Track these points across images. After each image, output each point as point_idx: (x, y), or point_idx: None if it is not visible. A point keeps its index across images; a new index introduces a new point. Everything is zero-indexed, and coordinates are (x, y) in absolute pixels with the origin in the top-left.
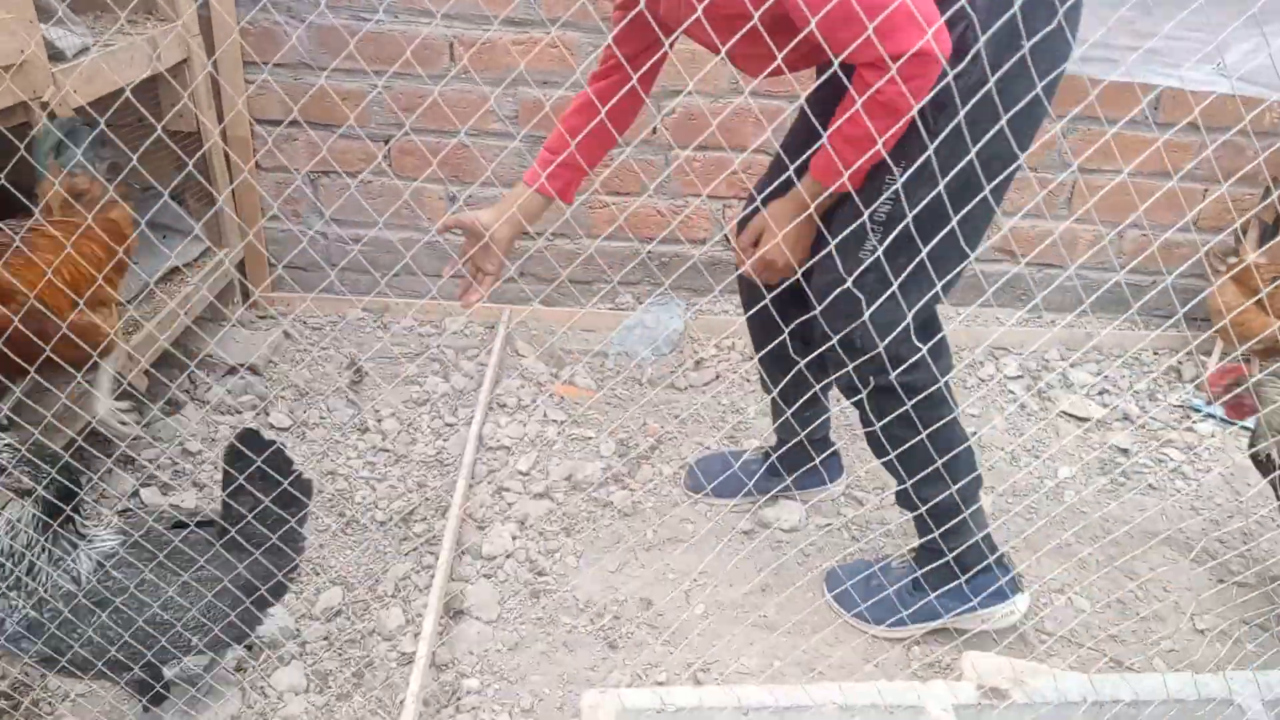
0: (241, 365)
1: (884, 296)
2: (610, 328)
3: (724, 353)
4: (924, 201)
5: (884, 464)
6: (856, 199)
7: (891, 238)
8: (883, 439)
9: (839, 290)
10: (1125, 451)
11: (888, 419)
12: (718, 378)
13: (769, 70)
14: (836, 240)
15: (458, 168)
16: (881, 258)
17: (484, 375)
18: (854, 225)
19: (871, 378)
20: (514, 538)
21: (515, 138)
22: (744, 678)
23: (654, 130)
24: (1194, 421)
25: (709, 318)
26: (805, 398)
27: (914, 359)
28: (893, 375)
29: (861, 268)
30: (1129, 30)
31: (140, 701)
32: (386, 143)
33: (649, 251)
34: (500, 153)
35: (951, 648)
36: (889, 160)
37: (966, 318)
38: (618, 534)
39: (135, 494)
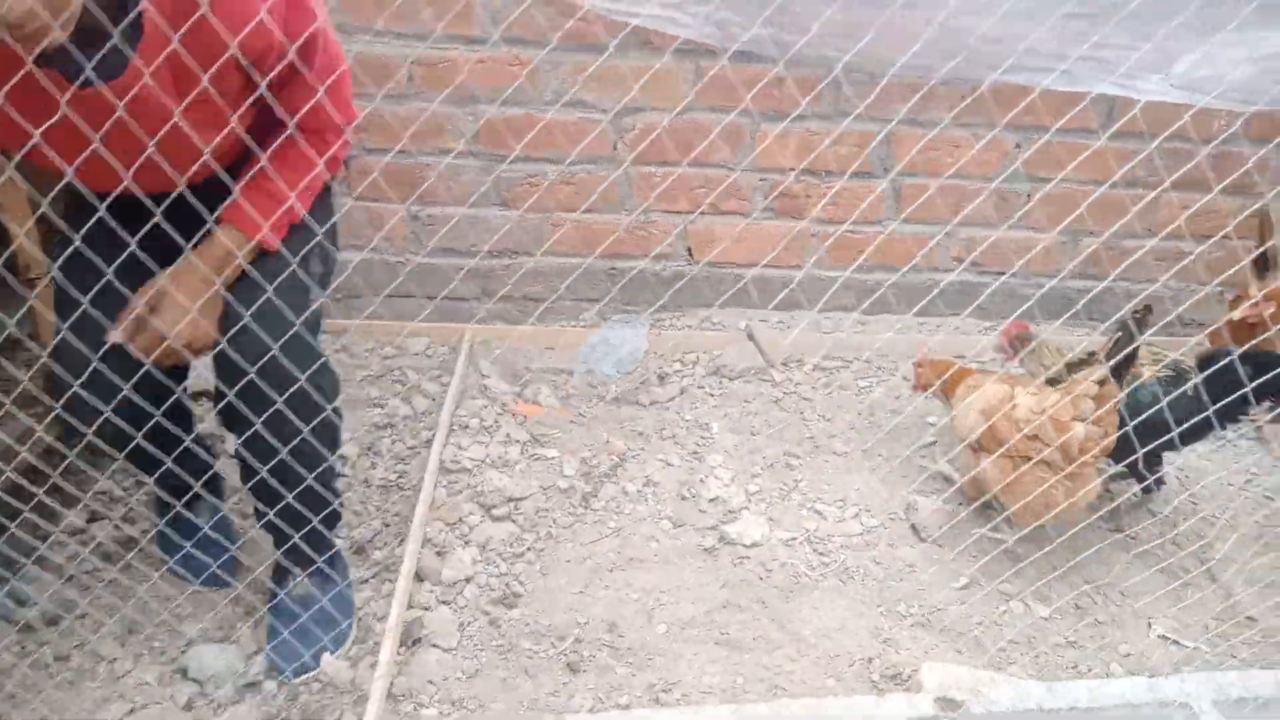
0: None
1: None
2: (574, 345)
3: (688, 367)
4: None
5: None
6: (285, 253)
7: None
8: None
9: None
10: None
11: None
12: (682, 393)
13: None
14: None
15: (416, 188)
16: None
17: (446, 397)
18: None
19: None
20: (475, 562)
21: (475, 156)
22: (706, 697)
23: (614, 146)
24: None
25: (673, 333)
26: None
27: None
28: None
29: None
30: (1080, 40)
31: None
32: (346, 164)
33: (613, 268)
34: (460, 171)
35: (913, 658)
36: (309, 217)
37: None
38: (581, 555)
39: None
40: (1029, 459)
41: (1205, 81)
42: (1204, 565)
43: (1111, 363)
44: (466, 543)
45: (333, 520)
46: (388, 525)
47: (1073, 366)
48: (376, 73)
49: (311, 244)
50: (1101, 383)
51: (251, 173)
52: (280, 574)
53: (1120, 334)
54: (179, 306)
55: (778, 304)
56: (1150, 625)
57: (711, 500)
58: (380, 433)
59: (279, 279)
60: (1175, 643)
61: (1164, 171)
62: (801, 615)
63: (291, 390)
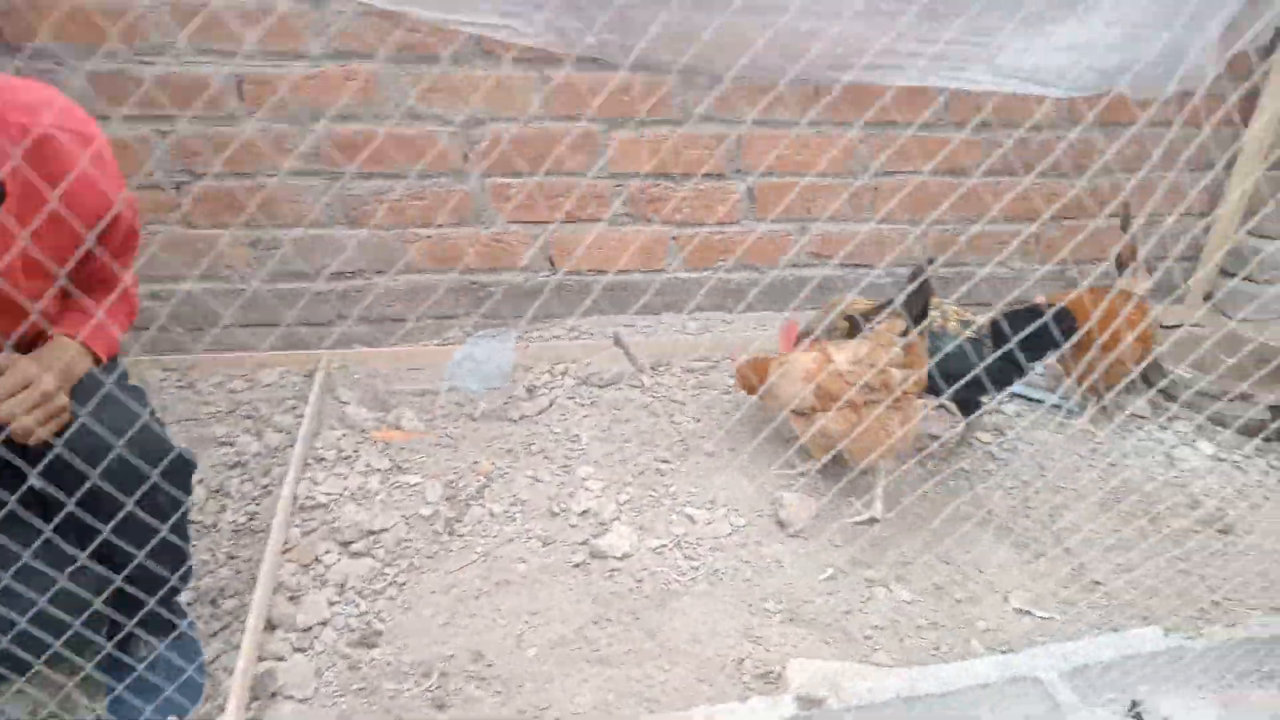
0: None
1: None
2: (438, 364)
3: (557, 378)
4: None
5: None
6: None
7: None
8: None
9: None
10: (937, 438)
11: None
12: (552, 405)
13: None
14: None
15: (261, 210)
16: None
17: (300, 429)
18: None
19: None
20: (331, 603)
21: (318, 175)
22: (577, 718)
23: (465, 158)
24: (1002, 402)
25: (540, 344)
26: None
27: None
28: None
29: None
30: (913, 36)
31: None
32: (179, 190)
33: (474, 282)
34: (302, 192)
35: (783, 655)
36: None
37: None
38: (446, 584)
39: None
40: (865, 404)
41: (1028, 70)
42: (1055, 536)
43: (906, 307)
44: (323, 583)
45: (184, 580)
46: (239, 572)
47: (854, 321)
48: (201, 93)
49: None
50: (904, 332)
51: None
52: (123, 640)
53: (913, 281)
54: (26, 369)
55: (644, 308)
56: (1006, 599)
57: (582, 514)
58: (230, 473)
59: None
60: (1029, 614)
61: (1014, 159)
62: (673, 623)
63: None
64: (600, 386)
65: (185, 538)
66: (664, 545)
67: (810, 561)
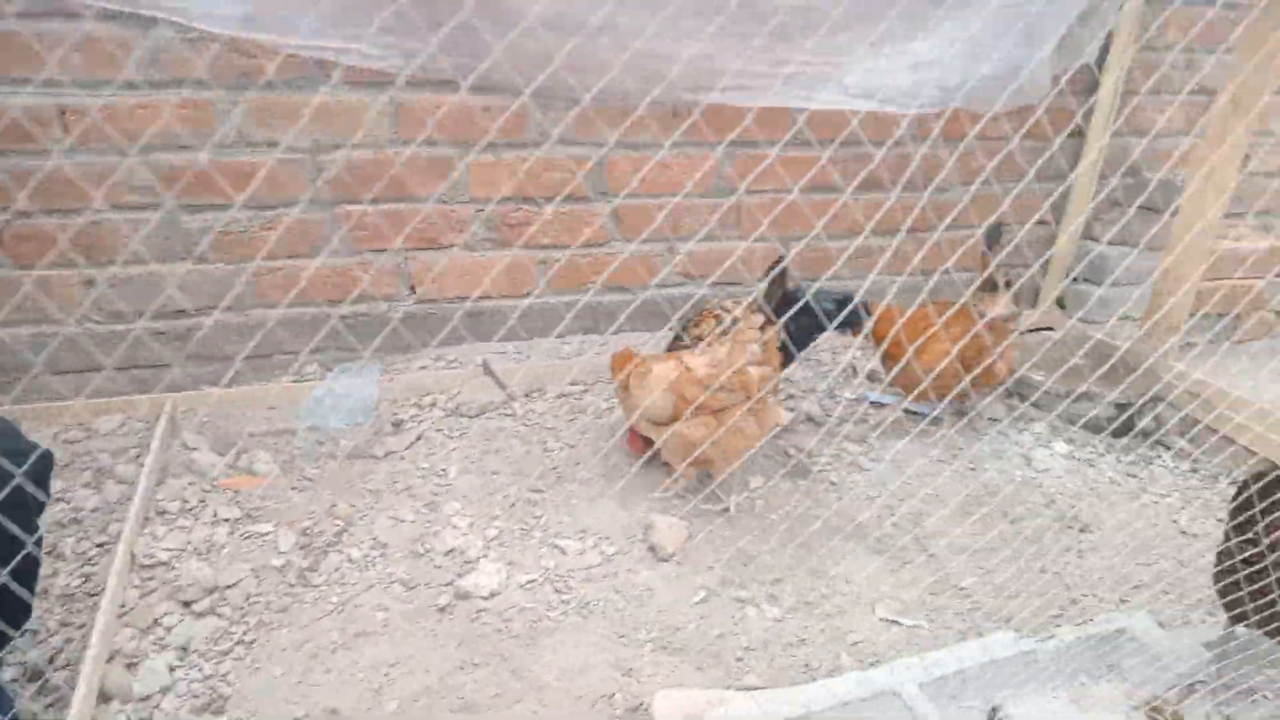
0: None
1: None
2: (296, 402)
3: (425, 410)
4: None
5: None
6: None
7: None
8: None
9: None
10: (810, 453)
11: None
12: (419, 438)
13: None
14: None
15: (92, 248)
16: None
17: (140, 479)
18: None
19: None
20: (173, 668)
21: (155, 207)
22: None
23: (312, 185)
24: (866, 412)
25: (406, 376)
26: None
27: None
28: None
29: None
30: (767, 59)
31: None
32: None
33: (331, 314)
34: (140, 226)
35: (655, 685)
36: None
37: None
38: (299, 639)
39: None
40: (725, 409)
41: (876, 89)
42: (920, 543)
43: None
44: (163, 647)
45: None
46: (71, 641)
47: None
48: (21, 129)
49: None
50: (762, 327)
51: None
52: None
53: (770, 283)
54: None
55: (512, 334)
56: (874, 609)
57: (448, 553)
58: (64, 531)
59: None
60: (897, 623)
61: (852, 175)
62: (543, 661)
63: None
64: (470, 416)
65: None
66: (534, 580)
67: (682, 586)
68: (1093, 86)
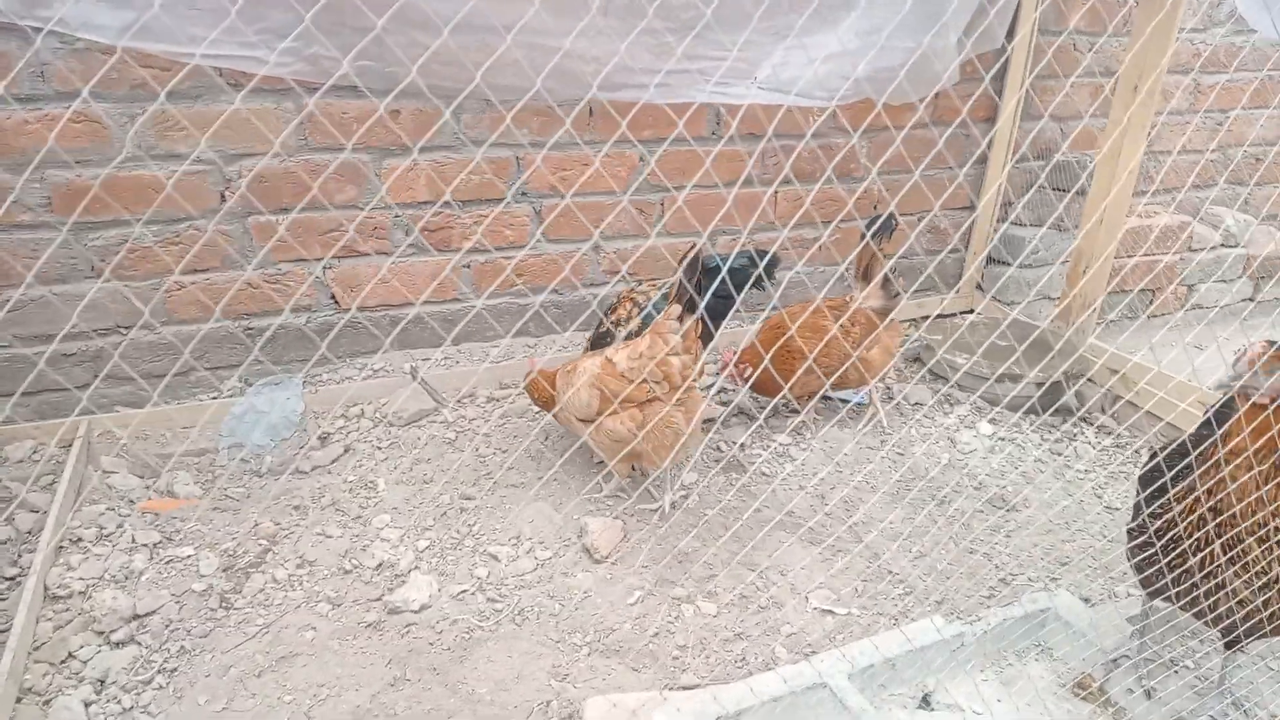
0: None
1: None
2: (217, 420)
3: (351, 421)
4: None
5: None
6: None
7: None
8: None
9: None
10: (743, 446)
11: None
12: (347, 451)
13: None
14: None
15: None
16: None
17: (53, 507)
18: None
19: None
20: (88, 704)
21: (53, 227)
22: None
23: (222, 197)
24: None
25: (331, 388)
26: None
27: None
28: None
29: None
30: (679, 56)
31: None
32: None
33: (249, 327)
34: (37, 246)
35: (590, 689)
36: None
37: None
38: (223, 665)
39: None
40: (651, 401)
41: (788, 83)
42: (852, 531)
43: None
44: (79, 681)
45: None
46: None
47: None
48: None
49: None
50: (680, 318)
51: None
52: None
53: (687, 269)
54: None
55: (439, 340)
56: (808, 600)
57: (377, 568)
58: None
59: None
60: (831, 613)
61: (774, 168)
62: (477, 673)
63: None
64: (400, 425)
65: None
66: (466, 590)
67: (618, 587)
68: (1003, 71)
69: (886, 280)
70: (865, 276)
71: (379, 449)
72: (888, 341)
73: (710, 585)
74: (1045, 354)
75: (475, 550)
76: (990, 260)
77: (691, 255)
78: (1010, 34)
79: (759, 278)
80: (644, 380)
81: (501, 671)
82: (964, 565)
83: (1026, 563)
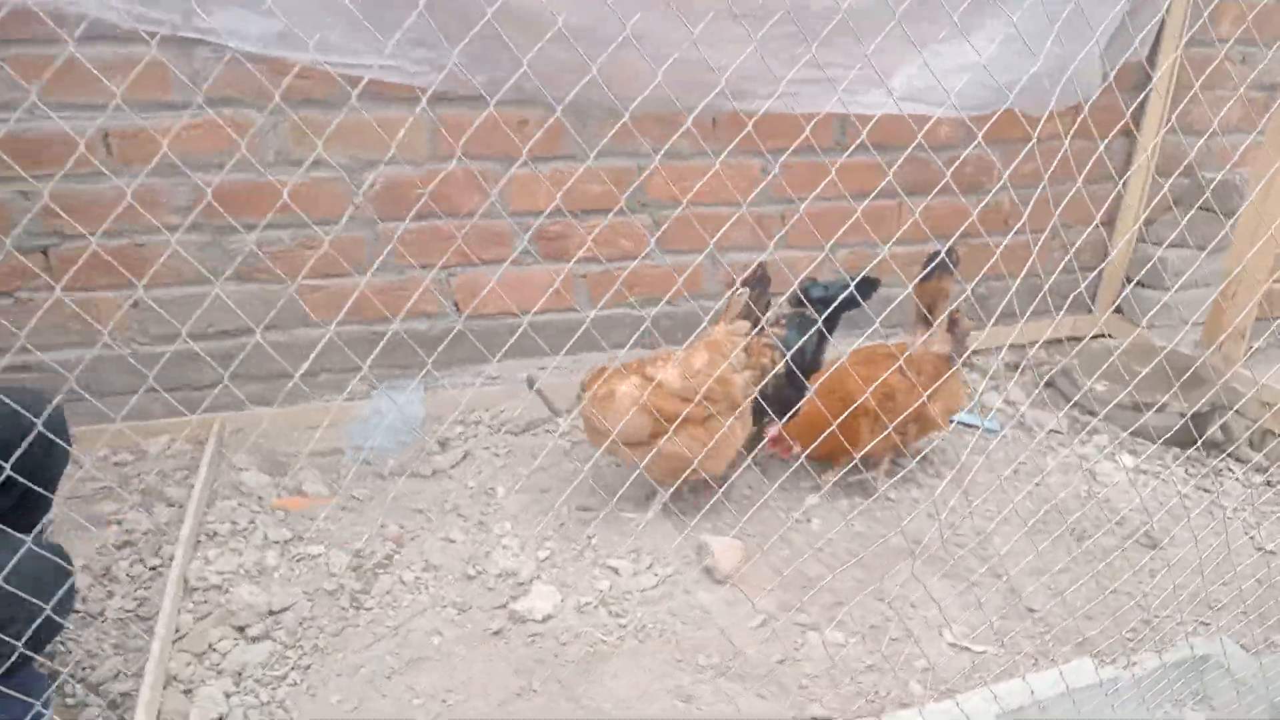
0: None
1: None
2: (342, 422)
3: (470, 428)
4: None
5: None
6: None
7: None
8: None
9: None
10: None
11: None
12: (466, 456)
13: None
14: None
15: (136, 270)
16: None
17: (190, 501)
18: None
19: None
20: (229, 695)
21: (199, 230)
22: None
23: (355, 205)
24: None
25: (450, 394)
26: None
27: None
28: None
29: None
30: (809, 63)
31: None
32: (45, 254)
33: (375, 331)
34: (181, 247)
35: (717, 713)
36: None
37: None
38: (354, 664)
39: None
40: (708, 418)
41: (923, 91)
42: (986, 563)
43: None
44: (219, 673)
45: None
46: (128, 662)
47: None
48: (65, 150)
49: None
50: (746, 332)
51: None
52: None
53: (755, 289)
54: None
55: (557, 349)
56: (942, 634)
57: (499, 575)
58: (117, 554)
59: None
60: (967, 649)
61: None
62: (602, 688)
63: None
64: (516, 434)
65: None
66: (588, 603)
67: (740, 609)
68: (1144, 83)
69: (953, 321)
70: (927, 317)
71: (497, 455)
72: (956, 388)
73: (837, 613)
74: (1190, 383)
75: (595, 563)
76: (1128, 282)
77: (759, 274)
78: (1156, 44)
79: (853, 301)
80: (701, 399)
81: (626, 688)
82: (1105, 604)
83: (1173, 605)
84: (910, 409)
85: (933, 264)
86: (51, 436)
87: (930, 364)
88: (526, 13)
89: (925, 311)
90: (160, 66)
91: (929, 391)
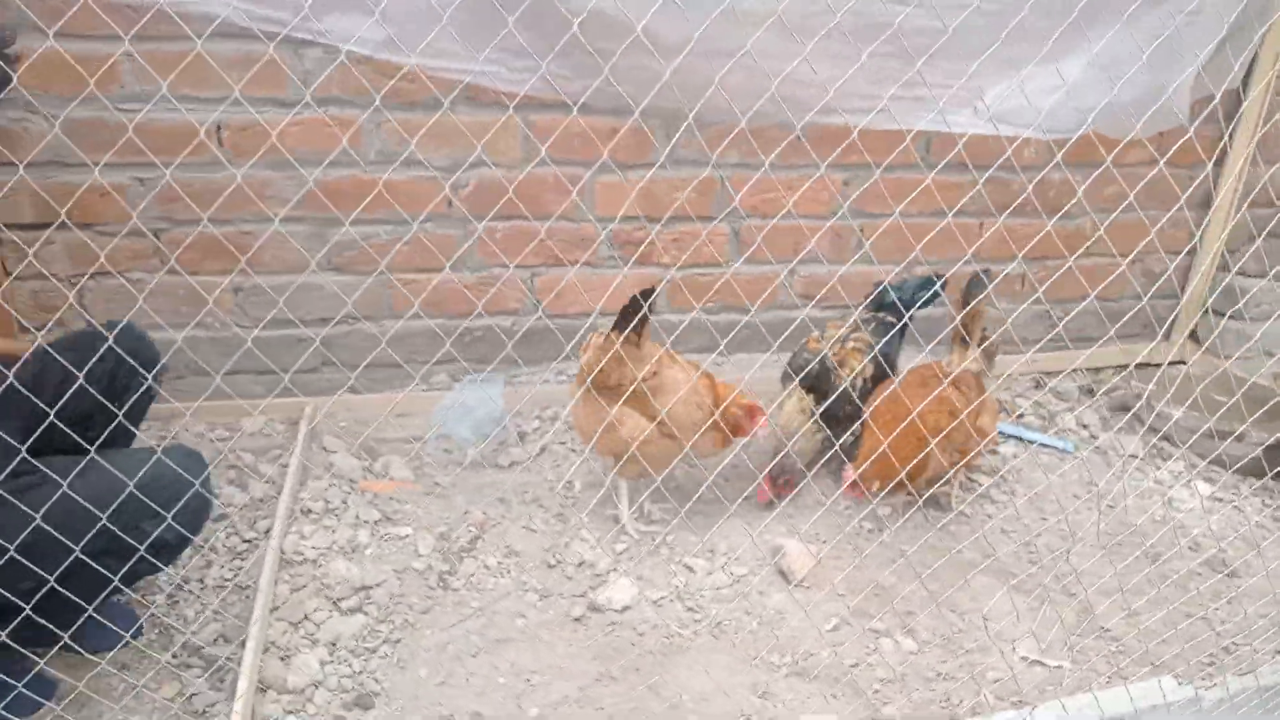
0: None
1: None
2: (427, 411)
3: (547, 423)
4: None
5: None
6: None
7: None
8: None
9: None
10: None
11: None
12: (543, 451)
13: None
14: None
15: (238, 257)
16: None
17: (285, 479)
18: None
19: None
20: (323, 663)
21: (301, 222)
22: None
23: (449, 204)
24: (997, 444)
25: (529, 388)
26: None
27: None
28: None
29: None
30: (895, 81)
31: None
32: (158, 236)
33: (461, 326)
34: (286, 237)
35: (790, 711)
36: None
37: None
38: (442, 641)
39: None
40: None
41: (1012, 113)
42: (1059, 580)
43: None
44: (314, 642)
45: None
46: (225, 628)
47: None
48: (182, 139)
49: None
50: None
51: None
52: None
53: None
54: None
55: None
56: (1014, 647)
57: (578, 565)
58: (214, 526)
59: None
60: (1040, 663)
61: (986, 199)
62: (678, 679)
63: None
64: None
65: None
66: (664, 597)
67: (814, 612)
68: (1235, 111)
69: (985, 340)
70: (964, 337)
71: (574, 451)
72: (993, 403)
73: (910, 622)
74: (1269, 414)
75: (670, 559)
76: (1208, 311)
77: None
78: (1249, 72)
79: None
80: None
81: (701, 682)
82: (1180, 628)
83: (1251, 633)
84: (969, 425)
85: (972, 286)
86: (142, 372)
87: (973, 381)
88: (625, 28)
89: (964, 331)
90: (274, 65)
91: (974, 404)
